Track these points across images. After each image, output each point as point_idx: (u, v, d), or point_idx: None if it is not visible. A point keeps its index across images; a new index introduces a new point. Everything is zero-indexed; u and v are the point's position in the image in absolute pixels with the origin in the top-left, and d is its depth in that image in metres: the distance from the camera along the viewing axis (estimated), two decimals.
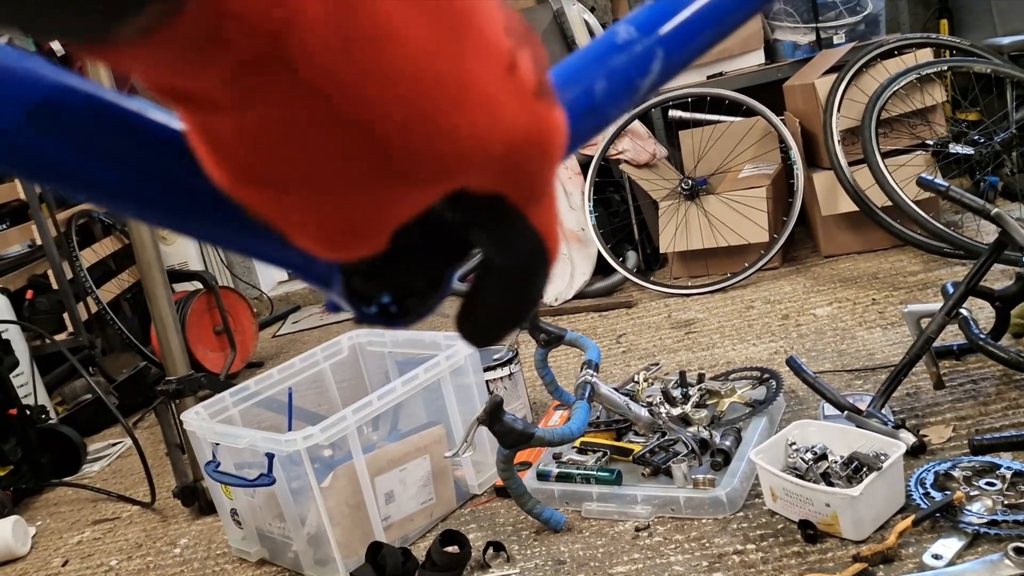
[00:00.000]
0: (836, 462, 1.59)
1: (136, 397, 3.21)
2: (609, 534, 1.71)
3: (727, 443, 1.80)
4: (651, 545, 1.64)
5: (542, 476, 1.87)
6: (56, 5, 0.19)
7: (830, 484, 1.55)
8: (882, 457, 1.53)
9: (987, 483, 1.54)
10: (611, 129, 3.16)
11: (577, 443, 1.94)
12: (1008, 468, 1.55)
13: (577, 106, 0.36)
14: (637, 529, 1.69)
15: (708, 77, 3.34)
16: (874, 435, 1.63)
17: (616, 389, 1.97)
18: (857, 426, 1.70)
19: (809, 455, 1.61)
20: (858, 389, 2.02)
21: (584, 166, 3.23)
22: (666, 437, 1.86)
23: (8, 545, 2.27)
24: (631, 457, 1.85)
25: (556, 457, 1.92)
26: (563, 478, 1.85)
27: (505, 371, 2.21)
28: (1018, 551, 1.35)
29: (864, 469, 1.55)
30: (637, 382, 2.14)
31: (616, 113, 0.40)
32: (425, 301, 0.31)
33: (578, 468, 1.85)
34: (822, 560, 1.49)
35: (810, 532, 1.54)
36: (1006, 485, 1.52)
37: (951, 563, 1.39)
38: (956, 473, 1.58)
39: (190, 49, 0.20)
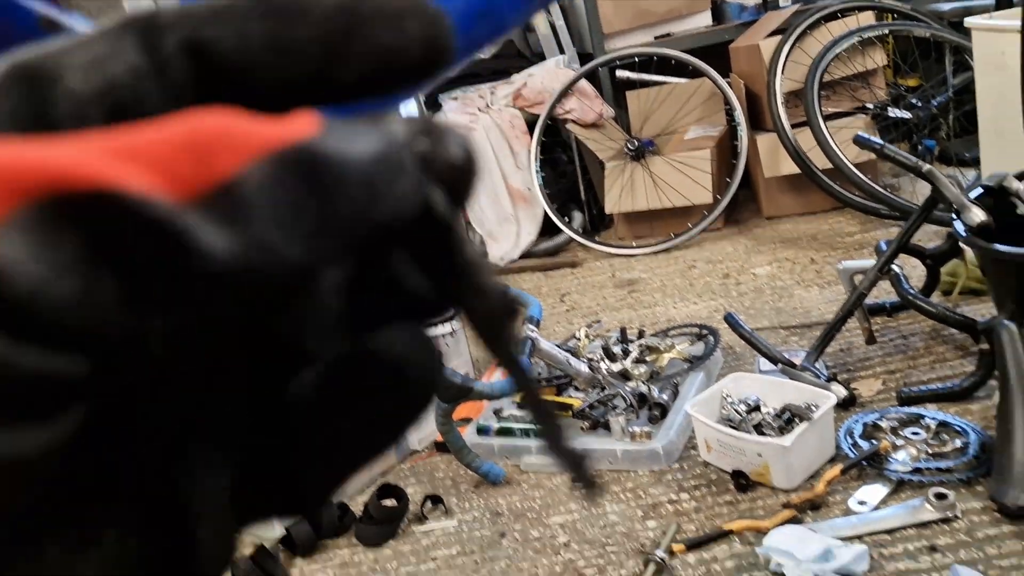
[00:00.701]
0: (769, 414, 1.62)
1: None
2: (547, 486, 1.72)
3: (665, 397, 1.82)
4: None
5: (482, 431, 1.88)
6: None
7: (763, 435, 1.58)
8: (813, 408, 1.56)
9: (912, 433, 1.58)
10: (558, 88, 3.14)
11: (517, 399, 1.94)
12: (932, 419, 1.60)
13: (470, 8, 0.35)
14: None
15: (656, 38, 3.32)
16: (807, 387, 1.66)
17: (558, 346, 1.97)
18: (791, 379, 1.73)
19: (743, 407, 1.64)
20: (794, 345, 2.05)
21: (531, 125, 3.21)
22: (605, 392, 1.87)
23: None
24: (571, 412, 1.86)
25: (496, 412, 1.92)
26: (503, 432, 1.85)
27: (447, 328, 2.20)
28: (939, 496, 1.40)
29: (796, 420, 1.58)
30: (578, 339, 2.15)
31: (514, 17, 0.38)
32: None
33: (518, 423, 1.86)
34: (753, 508, 1.52)
35: (742, 482, 1.57)
36: (930, 435, 1.57)
37: (876, 508, 1.43)
38: (884, 424, 1.62)
39: None
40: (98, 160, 0.13)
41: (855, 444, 1.57)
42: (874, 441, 1.57)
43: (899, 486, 1.47)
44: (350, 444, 0.20)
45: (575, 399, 1.91)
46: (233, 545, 0.20)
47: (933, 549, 1.33)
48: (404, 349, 0.19)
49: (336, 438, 0.20)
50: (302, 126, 0.15)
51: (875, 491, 1.47)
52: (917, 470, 1.48)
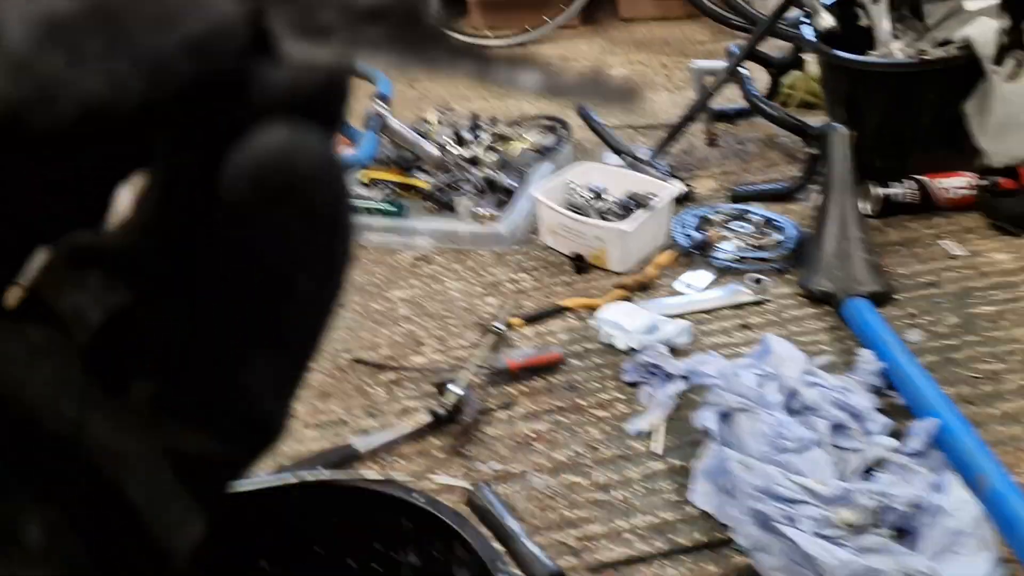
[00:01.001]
0: (612, 201, 1.66)
1: None
2: (388, 263, 1.72)
3: (512, 183, 1.82)
4: (430, 273, 1.67)
5: None
6: None
7: (606, 220, 1.63)
8: (653, 198, 1.62)
9: (739, 226, 1.68)
10: None
11: (364, 178, 1.89)
12: (758, 215, 1.71)
13: None
14: (416, 258, 1.71)
15: None
16: (649, 179, 1.72)
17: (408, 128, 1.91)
18: (634, 171, 1.77)
19: (588, 193, 1.67)
20: (640, 143, 2.09)
21: None
22: (453, 176, 1.85)
23: None
24: (418, 193, 1.84)
25: None
26: None
27: None
28: (756, 280, 1.51)
29: (636, 209, 1.63)
30: (429, 123, 2.08)
31: None
32: None
33: (363, 201, 1.81)
34: (587, 287, 1.59)
35: (580, 264, 1.62)
36: (755, 228, 1.67)
37: (701, 291, 1.54)
38: (714, 217, 1.71)
39: None
40: None
41: (687, 235, 1.66)
42: (704, 232, 1.66)
43: (723, 273, 1.58)
44: (281, 301, 0.17)
45: (423, 181, 1.88)
46: (193, 506, 0.17)
47: (746, 326, 1.45)
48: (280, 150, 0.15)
49: (260, 300, 0.16)
50: None
51: (701, 276, 1.57)
52: (740, 259, 1.59)
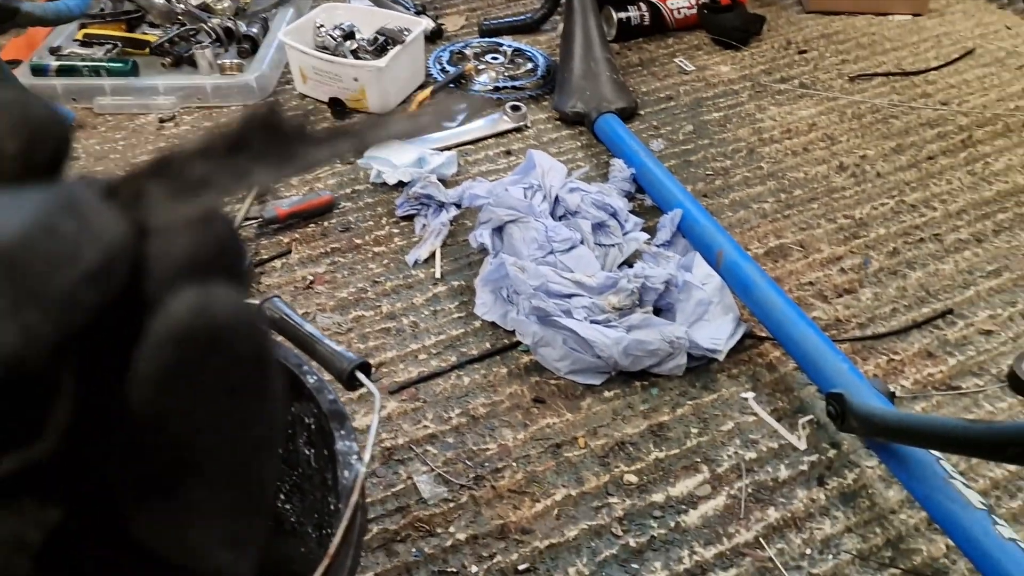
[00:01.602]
0: (364, 40, 1.61)
1: None
2: (129, 127, 1.57)
3: (254, 31, 1.70)
4: (178, 134, 1.55)
5: (38, 71, 1.61)
6: None
7: (359, 59, 1.58)
8: (406, 33, 1.59)
9: (492, 58, 1.71)
10: None
11: (80, 35, 1.68)
12: (508, 47, 1.74)
13: None
14: (161, 120, 1.58)
15: None
16: (398, 15, 1.68)
17: None
18: (380, 7, 1.72)
19: (338, 32, 1.61)
20: None
21: None
22: (186, 27, 1.70)
23: None
24: (148, 49, 1.67)
25: (54, 51, 1.65)
26: (66, 72, 1.61)
27: None
28: (514, 108, 1.56)
29: (390, 45, 1.60)
30: None
31: None
32: None
33: (83, 61, 1.62)
34: None
35: (339, 108, 1.58)
36: (507, 59, 1.70)
37: (461, 124, 1.56)
38: (467, 52, 1.72)
39: None
40: None
41: (443, 69, 1.66)
42: (460, 66, 1.67)
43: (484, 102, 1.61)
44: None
45: (150, 35, 1.71)
46: None
47: (508, 153, 1.50)
48: None
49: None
50: None
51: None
52: (496, 88, 1.62)
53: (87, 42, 1.68)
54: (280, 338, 0.63)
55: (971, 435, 0.68)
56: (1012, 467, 0.96)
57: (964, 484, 0.82)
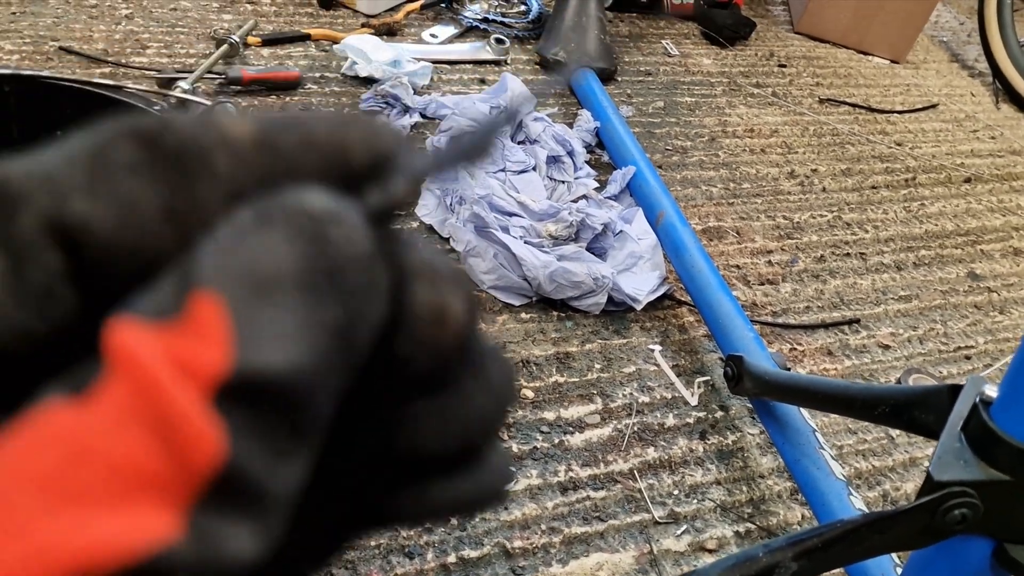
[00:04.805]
0: None
1: None
2: None
3: None
4: None
5: None
6: None
7: None
8: None
9: None
10: None
11: None
12: None
13: None
14: None
15: None
16: None
17: None
18: None
19: None
20: None
21: None
22: None
23: None
24: None
25: None
26: None
27: None
28: (498, 41, 1.57)
29: None
30: None
31: None
32: None
33: None
34: (333, 23, 1.55)
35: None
36: None
37: (444, 43, 1.56)
38: None
39: None
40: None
41: None
42: None
43: (468, 31, 1.61)
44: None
45: None
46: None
47: (483, 81, 1.51)
48: None
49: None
50: (213, 339, 0.11)
51: (446, 30, 1.59)
52: (486, 20, 1.63)
53: None
54: None
55: (849, 394, 0.73)
56: (876, 461, 1.02)
57: (832, 457, 0.87)
